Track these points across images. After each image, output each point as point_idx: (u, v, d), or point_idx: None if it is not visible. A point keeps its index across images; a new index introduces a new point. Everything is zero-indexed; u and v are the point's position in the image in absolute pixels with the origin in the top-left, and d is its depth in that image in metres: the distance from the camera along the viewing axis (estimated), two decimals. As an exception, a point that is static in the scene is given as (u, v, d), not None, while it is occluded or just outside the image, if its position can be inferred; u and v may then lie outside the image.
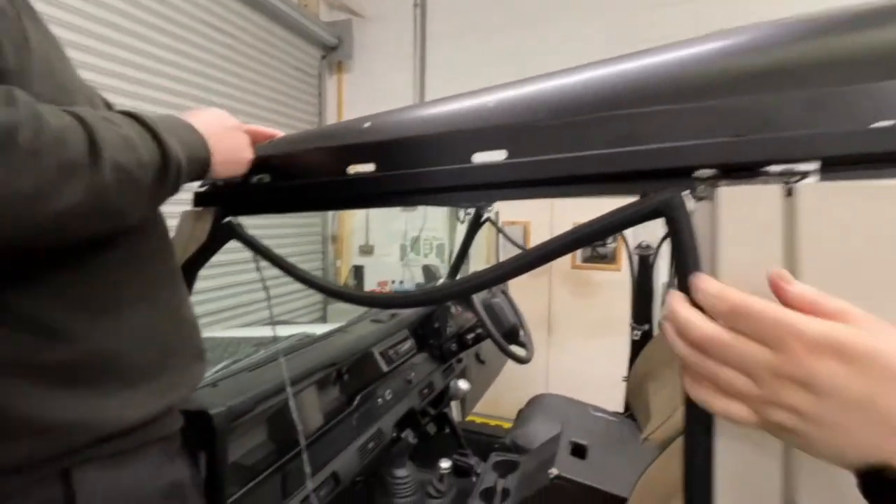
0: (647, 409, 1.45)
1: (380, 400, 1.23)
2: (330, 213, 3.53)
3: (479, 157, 0.46)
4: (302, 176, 0.57)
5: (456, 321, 1.73)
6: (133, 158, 0.39)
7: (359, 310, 3.31)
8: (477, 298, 1.53)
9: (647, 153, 0.36)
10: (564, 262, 3.07)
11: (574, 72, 0.46)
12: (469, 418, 2.37)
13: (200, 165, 0.49)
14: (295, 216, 3.20)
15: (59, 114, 0.35)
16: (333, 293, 0.59)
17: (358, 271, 3.61)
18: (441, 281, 2.16)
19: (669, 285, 2.19)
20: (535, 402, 1.69)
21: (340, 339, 1.21)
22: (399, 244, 3.50)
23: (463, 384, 1.38)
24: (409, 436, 1.28)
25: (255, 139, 0.69)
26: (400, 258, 3.50)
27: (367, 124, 0.54)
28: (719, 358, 0.29)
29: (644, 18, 2.62)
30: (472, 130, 0.46)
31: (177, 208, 0.61)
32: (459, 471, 1.51)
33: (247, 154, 0.57)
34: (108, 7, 1.92)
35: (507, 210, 2.96)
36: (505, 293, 1.72)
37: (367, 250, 3.58)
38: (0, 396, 0.37)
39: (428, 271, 2.43)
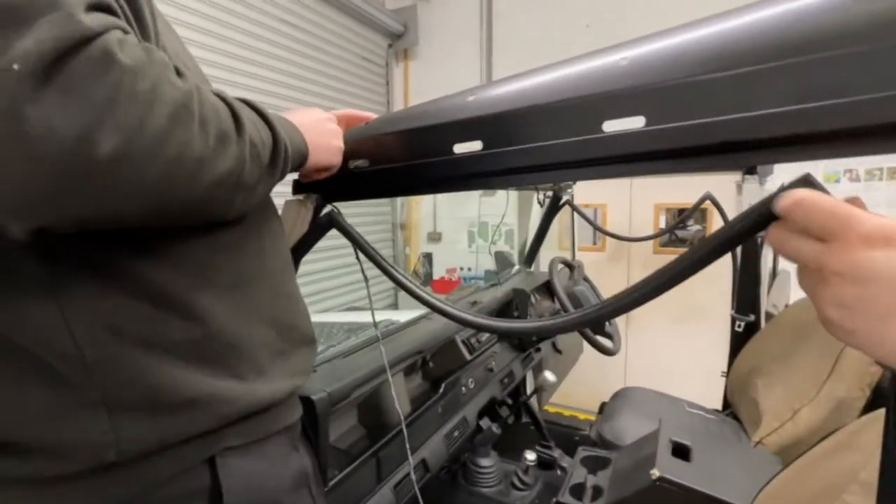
0: (756, 409, 1.30)
1: (463, 388, 1.22)
2: (399, 201, 3.58)
3: (611, 126, 0.40)
4: (402, 158, 0.54)
5: (536, 309, 1.67)
6: (258, 137, 0.39)
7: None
8: (560, 286, 1.46)
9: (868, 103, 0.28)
10: (646, 245, 2.88)
11: (722, 19, 0.39)
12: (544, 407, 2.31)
13: (300, 155, 0.49)
14: (364, 204, 3.27)
15: (204, 88, 0.36)
16: (434, 306, 0.56)
17: (427, 258, 3.64)
18: (515, 268, 2.10)
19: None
20: (621, 395, 1.60)
21: (425, 327, 1.20)
22: (467, 231, 3.48)
23: (550, 375, 1.33)
24: (492, 426, 1.26)
25: (349, 123, 0.68)
26: (468, 245, 3.48)
27: (470, 97, 0.50)
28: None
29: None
30: (602, 95, 0.40)
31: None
32: (543, 463, 1.46)
33: (336, 142, 0.55)
34: (180, 5, 2.03)
35: (581, 192, 2.82)
36: (588, 280, 1.62)
37: (435, 237, 3.59)
38: (139, 372, 0.38)
39: (501, 257, 2.37)
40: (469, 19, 3.14)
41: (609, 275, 2.98)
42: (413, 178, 0.53)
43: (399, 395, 0.99)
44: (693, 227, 2.81)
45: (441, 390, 1.12)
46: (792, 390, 1.14)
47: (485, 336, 1.34)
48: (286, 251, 0.54)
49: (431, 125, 0.52)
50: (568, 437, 1.86)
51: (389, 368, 0.93)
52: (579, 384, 2.61)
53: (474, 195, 3.36)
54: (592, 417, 3.04)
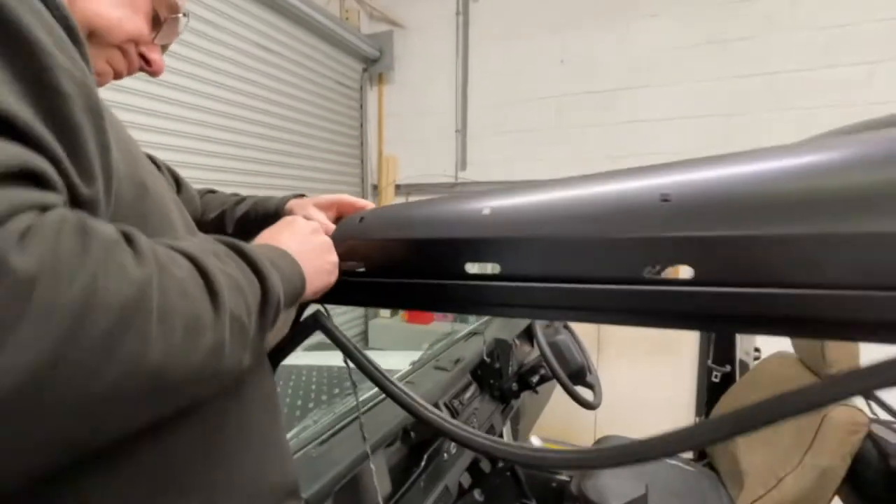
0: (736, 465, 1.30)
1: (445, 455, 1.15)
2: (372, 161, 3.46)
3: (652, 272, 0.36)
4: (404, 273, 0.48)
5: (516, 357, 1.63)
6: (243, 304, 0.32)
7: (406, 330, 3.24)
8: (542, 335, 1.43)
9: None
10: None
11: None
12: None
13: (296, 294, 0.42)
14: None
15: (173, 255, 0.29)
16: (441, 428, 0.50)
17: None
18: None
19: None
20: (602, 445, 1.57)
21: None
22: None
23: (536, 441, 1.28)
24: (475, 492, 1.19)
25: (342, 211, 0.62)
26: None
27: (486, 210, 0.45)
28: None
29: (713, 14, 2.44)
30: (654, 239, 0.36)
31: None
32: (525, 524, 1.40)
33: (331, 258, 0.48)
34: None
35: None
36: (569, 328, 1.60)
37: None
38: None
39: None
40: (445, 46, 3.14)
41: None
42: (416, 296, 0.48)
43: (380, 479, 0.92)
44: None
45: (423, 463, 1.05)
46: (775, 455, 1.14)
47: (467, 394, 1.28)
48: (275, 405, 0.48)
49: (439, 238, 0.46)
50: (544, 484, 1.82)
51: (374, 451, 0.86)
52: (549, 413, 2.58)
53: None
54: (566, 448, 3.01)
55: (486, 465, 1.39)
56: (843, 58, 2.23)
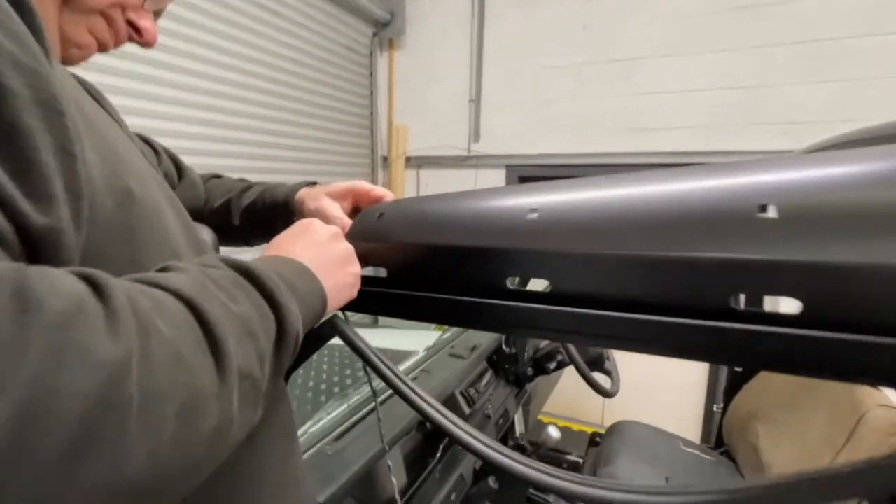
0: (757, 457, 1.27)
1: (461, 443, 1.13)
2: (382, 131, 3.26)
3: (745, 303, 0.30)
4: (429, 280, 0.42)
5: (532, 342, 1.59)
6: (254, 354, 0.26)
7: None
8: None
9: None
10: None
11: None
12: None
13: (314, 321, 0.36)
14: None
15: (160, 300, 0.23)
16: (478, 453, 0.44)
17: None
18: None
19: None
20: (616, 432, 1.55)
21: (423, 383, 1.09)
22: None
23: (554, 432, 1.25)
24: (489, 479, 1.17)
25: (358, 201, 0.56)
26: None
27: (532, 215, 0.38)
28: None
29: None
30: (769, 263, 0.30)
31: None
32: (538, 509, 1.40)
33: (353, 269, 0.42)
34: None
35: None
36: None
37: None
38: None
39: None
40: (459, 9, 2.96)
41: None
42: (445, 312, 0.42)
43: (397, 473, 0.89)
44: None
45: (439, 454, 1.03)
46: (802, 453, 1.10)
47: (483, 382, 1.25)
48: (290, 430, 0.43)
49: (474, 248, 0.40)
50: (555, 464, 1.81)
51: (392, 446, 0.82)
52: (556, 391, 2.57)
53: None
54: (574, 426, 3.03)
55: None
56: (890, 24, 2.06)
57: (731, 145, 2.36)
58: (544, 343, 1.57)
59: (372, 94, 3.23)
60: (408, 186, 3.33)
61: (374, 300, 0.45)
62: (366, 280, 0.46)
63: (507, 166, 3.01)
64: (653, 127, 2.53)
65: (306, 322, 0.33)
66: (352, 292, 0.41)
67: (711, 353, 0.31)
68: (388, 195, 0.55)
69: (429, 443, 1.06)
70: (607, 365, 1.44)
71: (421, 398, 0.48)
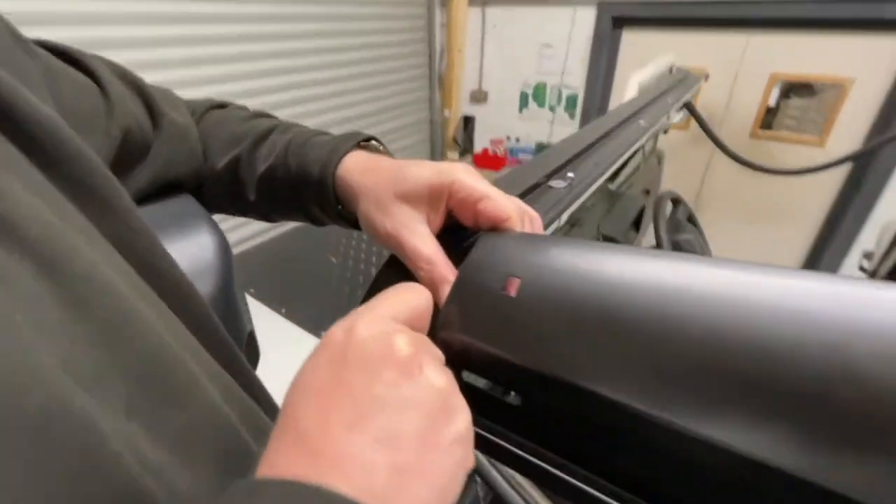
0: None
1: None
2: (437, 51, 2.90)
3: None
4: (587, 414, 0.20)
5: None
6: None
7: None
8: (665, 233, 1.14)
9: None
10: (742, 126, 2.35)
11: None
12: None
13: None
14: (395, 56, 2.63)
15: None
16: None
17: (468, 123, 3.15)
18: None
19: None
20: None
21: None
22: (519, 91, 2.90)
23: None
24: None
25: (462, 213, 0.29)
26: (519, 109, 2.94)
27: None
28: None
29: None
30: None
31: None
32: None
33: (468, 464, 0.18)
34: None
35: (679, 46, 2.14)
36: (693, 220, 1.27)
37: (479, 97, 3.04)
38: None
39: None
40: None
41: (685, 157, 2.53)
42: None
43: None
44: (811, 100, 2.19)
45: None
46: None
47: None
48: None
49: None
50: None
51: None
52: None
53: (532, 40, 2.69)
54: None
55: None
56: None
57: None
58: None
59: (430, 54, 2.54)
60: (471, 30, 2.79)
61: (501, 454, 0.24)
62: (482, 401, 0.25)
63: (599, 3, 2.39)
64: None
65: None
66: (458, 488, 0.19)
67: None
68: (530, 216, 0.29)
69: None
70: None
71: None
